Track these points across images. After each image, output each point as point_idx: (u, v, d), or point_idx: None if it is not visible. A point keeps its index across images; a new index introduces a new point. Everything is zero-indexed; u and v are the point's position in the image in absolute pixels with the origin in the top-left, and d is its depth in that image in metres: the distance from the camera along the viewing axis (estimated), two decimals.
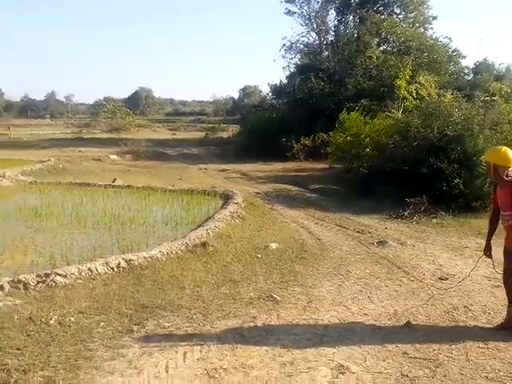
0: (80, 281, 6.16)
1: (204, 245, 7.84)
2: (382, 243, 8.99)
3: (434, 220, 11.20)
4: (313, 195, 14.82)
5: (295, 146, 23.01)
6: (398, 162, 13.84)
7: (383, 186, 13.52)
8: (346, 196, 14.27)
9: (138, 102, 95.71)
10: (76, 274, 6.27)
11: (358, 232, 10.06)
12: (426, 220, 11.20)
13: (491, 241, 5.28)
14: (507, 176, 4.89)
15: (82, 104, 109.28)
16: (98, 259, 6.82)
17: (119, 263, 6.73)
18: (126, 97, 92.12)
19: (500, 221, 5.12)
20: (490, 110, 14.40)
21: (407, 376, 4.07)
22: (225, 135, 37.99)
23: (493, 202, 5.25)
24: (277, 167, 20.98)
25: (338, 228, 10.48)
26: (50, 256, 7.20)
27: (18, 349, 4.42)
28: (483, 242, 5.48)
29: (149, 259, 7.01)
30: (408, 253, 8.41)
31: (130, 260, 6.85)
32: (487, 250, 5.29)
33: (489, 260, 5.52)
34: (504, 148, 5.06)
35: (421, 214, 11.54)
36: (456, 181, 12.09)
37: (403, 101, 20.67)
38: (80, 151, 26.25)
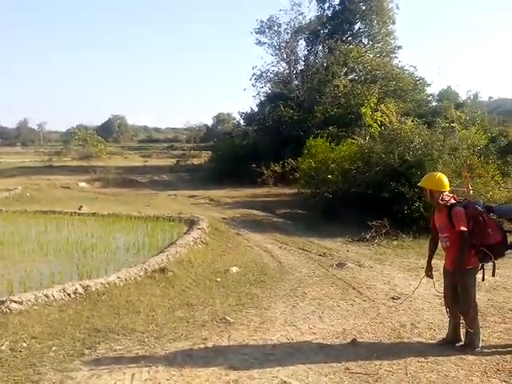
0: (36, 307, 6.20)
1: (163, 270, 7.94)
2: (340, 265, 9.20)
3: (395, 242, 11.50)
4: (279, 220, 15.01)
5: (265, 171, 23.29)
6: (362, 187, 14.18)
7: (347, 210, 13.81)
8: (311, 220, 14.49)
9: (111, 130, 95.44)
10: (32, 300, 6.31)
11: (320, 255, 10.27)
12: (387, 242, 11.49)
13: (432, 261, 5.52)
14: (442, 200, 5.16)
15: (54, 132, 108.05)
16: (56, 286, 6.87)
17: (76, 289, 6.79)
18: (99, 124, 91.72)
19: (439, 243, 5.37)
20: (449, 136, 14.88)
21: None
22: (197, 162, 38.15)
23: (432, 226, 5.50)
24: (246, 193, 21.15)
25: (300, 251, 10.66)
26: (8, 283, 7.21)
27: None
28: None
29: (106, 285, 7.08)
30: (365, 274, 8.63)
31: (87, 286, 6.90)
32: (428, 271, 5.53)
33: (441, 279, 5.68)
34: (439, 174, 5.38)
35: (382, 236, 11.83)
36: (416, 204, 12.44)
37: (369, 128, 21.17)
38: (48, 179, 26.06)
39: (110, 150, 50.19)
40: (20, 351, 5.00)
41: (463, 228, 4.94)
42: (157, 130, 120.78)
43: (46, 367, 4.66)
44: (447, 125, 16.87)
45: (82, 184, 24.72)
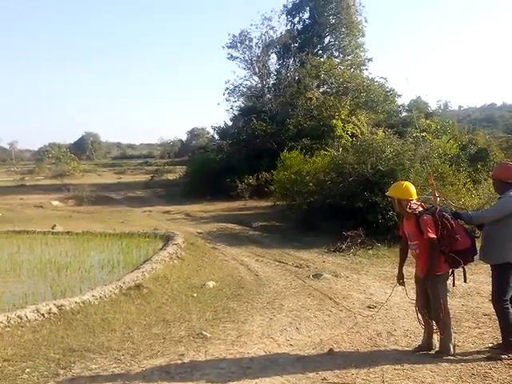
0: (8, 329, 6.08)
1: (138, 287, 7.87)
2: (317, 276, 9.24)
3: (370, 251, 11.60)
4: (255, 233, 15.02)
5: (240, 185, 23.34)
6: (336, 198, 14.30)
7: (323, 221, 13.93)
8: (287, 232, 14.55)
9: (84, 147, 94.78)
10: (4, 322, 6.19)
11: (297, 266, 10.29)
12: (363, 252, 11.58)
13: (403, 269, 5.60)
14: (410, 208, 5.24)
15: (26, 150, 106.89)
16: (29, 306, 6.75)
17: (50, 309, 6.68)
18: (72, 142, 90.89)
19: (409, 250, 5.44)
20: (419, 146, 15.13)
21: None
22: (172, 177, 38.04)
23: (401, 234, 5.58)
24: (221, 207, 21.15)
25: (277, 263, 10.68)
26: None
27: None
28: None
29: (81, 304, 6.98)
30: (341, 284, 8.69)
31: (61, 306, 6.80)
32: (400, 278, 5.61)
33: (414, 287, 5.75)
34: (405, 183, 5.46)
35: (358, 246, 11.92)
36: (390, 213, 12.54)
37: (341, 139, 21.39)
38: (21, 199, 25.69)
39: (84, 167, 49.84)
40: None
41: (432, 235, 5.02)
42: (131, 146, 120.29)
43: None
44: (418, 134, 17.15)
45: (56, 203, 24.42)
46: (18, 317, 6.35)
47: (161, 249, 10.91)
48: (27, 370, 5.01)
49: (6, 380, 4.77)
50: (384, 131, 17.56)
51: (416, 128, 18.96)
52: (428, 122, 22.32)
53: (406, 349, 5.47)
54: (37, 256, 10.72)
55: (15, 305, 7.21)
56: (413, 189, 5.33)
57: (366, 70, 34.19)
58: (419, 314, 5.39)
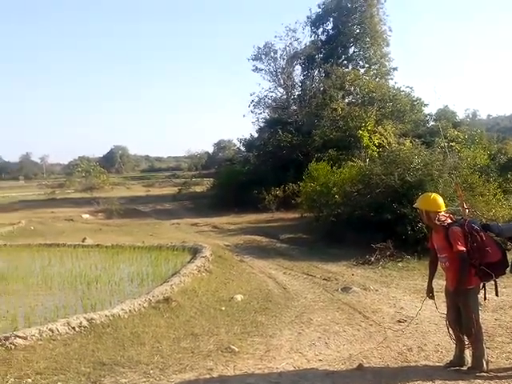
0: (40, 342, 6.18)
1: (167, 300, 7.92)
2: (346, 289, 9.16)
3: (400, 264, 11.46)
4: (283, 245, 15.00)
5: (266, 197, 23.36)
6: (364, 209, 14.18)
7: (351, 233, 13.79)
8: (315, 244, 14.48)
9: (113, 161, 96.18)
10: (36, 335, 6.29)
11: (325, 279, 10.23)
12: (392, 264, 11.45)
13: (433, 282, 5.51)
14: (439, 220, 5.16)
15: (57, 164, 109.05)
16: (60, 320, 6.85)
17: (81, 323, 6.76)
18: (102, 156, 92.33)
19: (439, 263, 5.36)
20: (448, 156, 14.96)
21: None
22: (199, 189, 38.30)
23: (430, 246, 5.49)
24: (248, 219, 21.18)
25: (305, 276, 10.63)
26: (13, 319, 7.22)
27: None
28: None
29: (111, 317, 7.05)
30: (371, 298, 8.59)
31: (91, 319, 6.88)
32: (429, 292, 5.51)
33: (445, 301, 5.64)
34: (433, 194, 5.38)
35: (387, 258, 11.80)
36: (419, 225, 12.39)
37: (367, 150, 21.29)
38: (52, 212, 26.19)
39: (113, 180, 50.41)
40: None
41: (461, 248, 4.94)
42: (159, 159, 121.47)
43: None
44: (446, 144, 16.95)
45: (86, 216, 24.82)
46: (49, 330, 6.44)
47: (189, 262, 10.96)
48: (59, 383, 5.08)
49: None
50: (411, 141, 17.38)
51: (444, 138, 18.76)
52: (456, 131, 22.03)
53: (438, 364, 5.38)
54: (67, 269, 10.90)
55: (46, 318, 7.32)
56: (441, 200, 5.26)
57: (391, 79, 34.07)
58: (450, 329, 5.29)
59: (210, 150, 79.52)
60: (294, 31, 33.71)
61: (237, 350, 5.96)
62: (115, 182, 50.92)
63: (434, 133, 23.61)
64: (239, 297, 8.54)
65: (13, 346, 5.99)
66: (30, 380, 5.13)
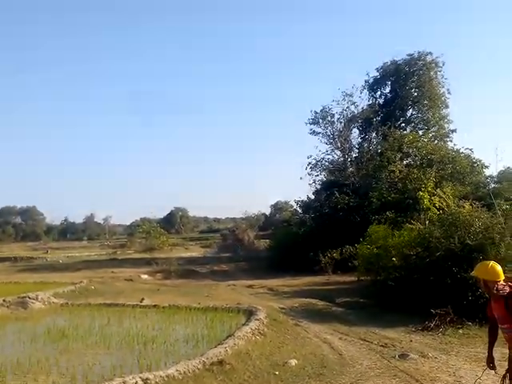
0: None
1: (221, 363, 7.95)
2: (403, 356, 8.92)
3: (461, 331, 11.06)
4: (339, 309, 14.76)
5: (323, 259, 23.18)
6: (423, 273, 13.85)
7: (409, 298, 13.44)
8: (372, 309, 14.18)
9: (173, 222, 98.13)
10: None
11: (382, 346, 9.98)
12: (452, 331, 11.06)
13: (493, 351, 5.30)
14: (497, 290, 5.02)
15: (119, 225, 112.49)
16: (116, 379, 7.00)
17: (136, 382, 6.90)
18: (162, 217, 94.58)
19: (501, 332, 5.17)
20: (510, 219, 14.54)
21: None
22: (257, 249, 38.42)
23: (488, 315, 5.32)
24: (304, 281, 21.01)
25: (361, 342, 10.40)
26: (72, 377, 7.44)
27: None
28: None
29: (165, 378, 7.15)
30: (429, 365, 8.31)
31: (146, 379, 7.00)
32: (490, 361, 5.30)
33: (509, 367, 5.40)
34: (491, 263, 5.23)
35: (447, 325, 11.42)
36: (481, 290, 11.95)
37: (427, 212, 20.93)
38: (113, 272, 26.90)
39: (172, 241, 51.45)
40: None
41: None
42: (217, 220, 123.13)
43: None
44: (508, 207, 16.49)
45: (145, 276, 25.33)
46: None
47: (243, 324, 10.97)
48: None
49: None
50: (471, 204, 17.02)
51: (506, 200, 18.27)
52: None
53: None
54: (125, 329, 11.16)
55: (104, 376, 7.49)
56: (499, 268, 5.11)
57: (451, 141, 33.72)
58: None
59: (267, 211, 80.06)
60: (351, 95, 34.34)
61: None
62: (174, 242, 51.89)
63: (495, 195, 23.01)
64: (293, 361, 8.46)
65: None
66: None
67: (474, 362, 8.41)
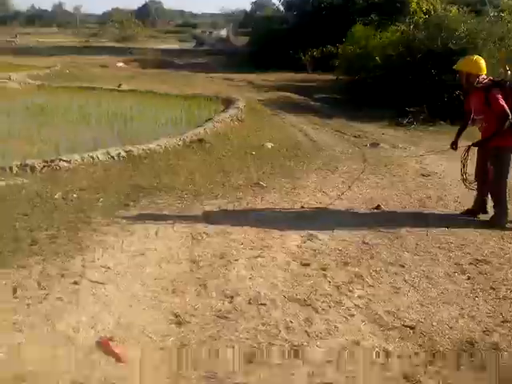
0: (82, 166, 6.68)
1: (201, 141, 8.27)
2: (374, 145, 9.38)
3: (431, 128, 11.50)
4: (316, 103, 15.00)
5: (303, 57, 22.83)
6: (403, 73, 13.86)
7: (387, 96, 13.64)
8: (348, 105, 14.39)
9: (147, 14, 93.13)
10: (79, 160, 6.78)
11: (355, 136, 10.39)
12: (424, 128, 11.51)
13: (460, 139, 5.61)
14: (478, 83, 5.15)
15: (90, 15, 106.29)
16: (100, 149, 7.27)
17: (119, 153, 7.22)
18: (136, 8, 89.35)
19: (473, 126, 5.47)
20: (495, 25, 14.20)
21: (367, 243, 4.59)
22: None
23: (465, 108, 5.54)
24: (284, 77, 20.86)
25: (335, 133, 10.80)
26: (55, 146, 7.67)
27: (26, 215, 4.97)
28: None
29: (147, 151, 7.47)
30: (398, 153, 8.76)
31: (129, 151, 7.32)
32: (453, 144, 5.63)
33: (473, 160, 5.63)
34: (476, 57, 5.35)
35: (419, 122, 11.82)
36: (457, 92, 12.15)
37: (414, 15, 20.19)
38: (87, 59, 26.14)
39: (147, 32, 49.49)
40: (71, 200, 5.49)
41: (502, 106, 4.96)
42: (193, 15, 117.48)
43: (95, 213, 5.13)
44: (496, 14, 15.97)
45: (120, 64, 24.78)
46: (90, 157, 6.93)
47: (222, 111, 11.16)
48: (101, 199, 5.57)
49: (84, 205, 5.35)
50: (458, 8, 16.46)
51: (495, 7, 17.62)
52: (509, 1, 20.50)
53: (455, 212, 5.63)
54: (104, 109, 11.24)
55: (86, 148, 7.71)
56: (483, 63, 5.19)
57: None
58: (471, 183, 5.49)
59: (248, 8, 76.13)
60: None
61: (265, 185, 6.34)
62: (150, 34, 49.91)
63: (485, 1, 22.08)
64: (269, 144, 8.80)
65: (58, 168, 6.50)
66: (75, 195, 5.63)
67: (440, 153, 8.88)
